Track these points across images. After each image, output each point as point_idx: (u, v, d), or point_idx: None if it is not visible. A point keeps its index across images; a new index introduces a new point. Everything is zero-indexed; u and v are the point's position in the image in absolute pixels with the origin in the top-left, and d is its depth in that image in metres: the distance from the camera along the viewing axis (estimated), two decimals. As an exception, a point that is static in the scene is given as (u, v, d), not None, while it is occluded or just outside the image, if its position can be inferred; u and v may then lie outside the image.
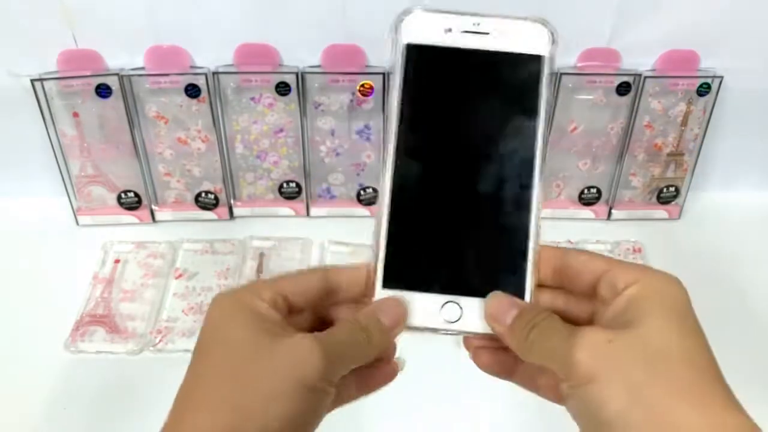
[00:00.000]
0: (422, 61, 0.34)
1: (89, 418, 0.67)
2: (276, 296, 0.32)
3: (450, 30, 0.33)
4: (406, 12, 0.34)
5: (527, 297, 0.34)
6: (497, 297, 0.33)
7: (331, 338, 0.31)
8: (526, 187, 0.34)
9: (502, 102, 0.34)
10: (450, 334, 0.34)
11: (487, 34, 0.33)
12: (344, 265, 0.35)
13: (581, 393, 0.29)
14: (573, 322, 0.33)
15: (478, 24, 0.33)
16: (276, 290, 0.33)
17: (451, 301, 0.33)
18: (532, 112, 0.34)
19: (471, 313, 0.33)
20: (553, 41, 0.34)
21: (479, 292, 0.34)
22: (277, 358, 0.30)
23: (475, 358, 0.35)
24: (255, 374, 0.29)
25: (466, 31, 0.33)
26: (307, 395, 0.30)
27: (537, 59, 0.34)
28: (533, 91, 0.34)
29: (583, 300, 0.35)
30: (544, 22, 0.34)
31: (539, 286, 0.35)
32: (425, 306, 0.34)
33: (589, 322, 0.34)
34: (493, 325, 0.33)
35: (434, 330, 0.34)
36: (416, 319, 0.33)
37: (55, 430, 0.66)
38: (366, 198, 0.90)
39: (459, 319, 0.33)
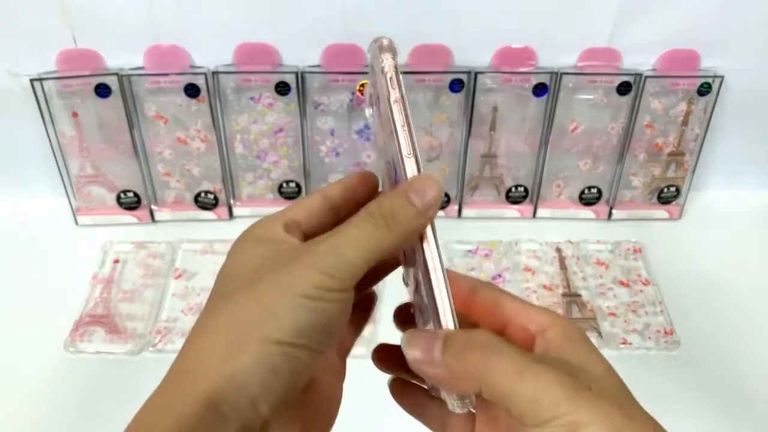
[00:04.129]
0: None
1: (89, 418, 0.67)
2: (288, 222, 0.32)
3: None
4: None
5: (450, 325, 0.29)
6: (411, 336, 0.30)
7: (337, 239, 0.29)
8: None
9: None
10: None
11: None
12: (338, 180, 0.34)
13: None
14: None
15: None
16: (286, 217, 0.32)
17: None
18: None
19: None
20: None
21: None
22: (278, 273, 0.29)
23: (392, 393, 0.36)
24: (256, 291, 0.29)
25: None
26: (310, 305, 0.28)
27: None
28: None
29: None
30: None
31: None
32: None
33: None
34: (420, 368, 0.29)
35: None
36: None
37: (54, 430, 0.66)
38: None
39: None
